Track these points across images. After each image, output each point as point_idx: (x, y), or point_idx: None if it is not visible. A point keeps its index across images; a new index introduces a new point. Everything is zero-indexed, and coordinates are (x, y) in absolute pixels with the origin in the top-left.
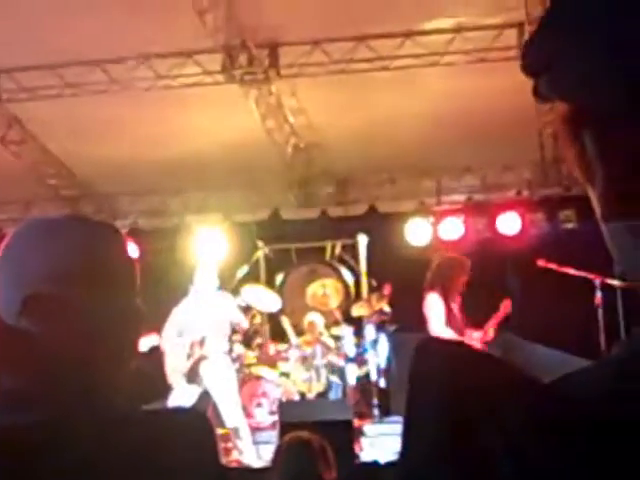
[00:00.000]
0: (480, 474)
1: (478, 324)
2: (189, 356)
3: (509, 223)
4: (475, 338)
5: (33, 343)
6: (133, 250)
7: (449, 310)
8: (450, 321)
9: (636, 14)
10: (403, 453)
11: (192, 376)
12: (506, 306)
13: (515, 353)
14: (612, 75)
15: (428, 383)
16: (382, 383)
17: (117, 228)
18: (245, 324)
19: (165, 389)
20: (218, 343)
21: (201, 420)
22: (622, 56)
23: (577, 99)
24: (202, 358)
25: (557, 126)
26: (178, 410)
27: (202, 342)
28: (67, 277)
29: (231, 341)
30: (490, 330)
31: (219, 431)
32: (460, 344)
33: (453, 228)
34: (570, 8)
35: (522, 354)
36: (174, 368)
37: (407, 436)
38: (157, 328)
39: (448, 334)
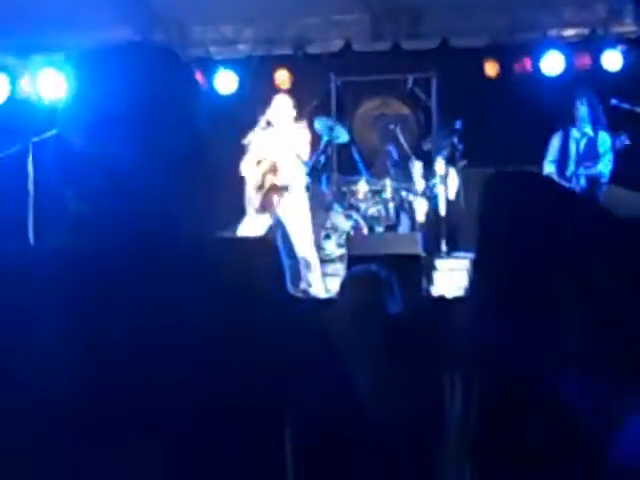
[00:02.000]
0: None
1: None
2: (261, 186)
3: (585, 61)
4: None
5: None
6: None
7: (563, 147)
8: (559, 159)
9: None
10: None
11: (265, 205)
12: None
13: None
14: None
15: (495, 211)
16: (451, 218)
17: (177, 54)
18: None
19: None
20: (292, 175)
21: (268, 250)
22: None
23: None
24: (275, 187)
25: None
26: (246, 239)
27: (274, 170)
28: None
29: (304, 174)
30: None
31: (288, 262)
32: (533, 176)
33: (526, 64)
34: None
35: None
36: (249, 197)
37: (477, 270)
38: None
39: (547, 170)
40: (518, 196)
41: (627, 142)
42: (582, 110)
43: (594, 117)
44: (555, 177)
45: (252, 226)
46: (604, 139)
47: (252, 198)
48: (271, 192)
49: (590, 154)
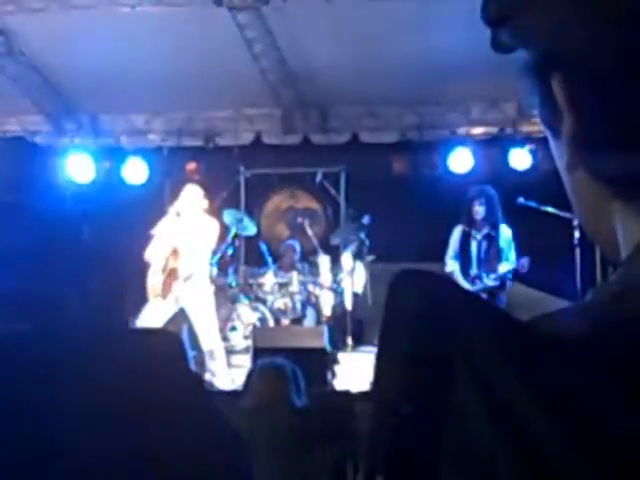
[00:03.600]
0: (447, 409)
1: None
2: (163, 271)
3: (489, 159)
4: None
5: None
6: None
7: (464, 245)
8: (461, 256)
9: None
10: (374, 387)
11: (165, 293)
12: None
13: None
14: (579, 18)
15: (401, 316)
16: (357, 312)
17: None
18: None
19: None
20: (197, 265)
21: (173, 341)
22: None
23: (546, 44)
24: (176, 274)
25: (522, 74)
26: (151, 330)
27: (177, 257)
28: None
29: (209, 264)
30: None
31: (192, 353)
32: (438, 277)
33: (434, 161)
34: None
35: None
36: (151, 283)
37: (378, 369)
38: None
39: (450, 267)
40: (418, 302)
41: (526, 267)
42: (481, 211)
43: (494, 218)
44: (458, 276)
45: (154, 314)
46: (506, 239)
47: (154, 285)
48: (172, 278)
49: (491, 255)
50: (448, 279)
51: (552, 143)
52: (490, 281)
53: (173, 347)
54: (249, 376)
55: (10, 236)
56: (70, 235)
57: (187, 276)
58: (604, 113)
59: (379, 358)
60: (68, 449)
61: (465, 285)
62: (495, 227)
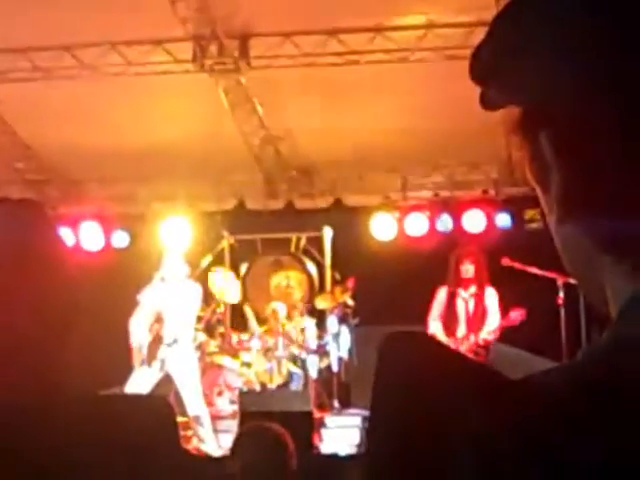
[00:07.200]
0: (445, 476)
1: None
2: (148, 338)
3: (474, 221)
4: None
5: None
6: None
7: (449, 305)
8: (444, 316)
9: (595, 13)
10: (368, 456)
11: (151, 358)
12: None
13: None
14: (568, 75)
15: (392, 382)
16: (343, 376)
17: (41, 206)
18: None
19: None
20: (182, 330)
21: (162, 405)
22: (580, 57)
23: (532, 100)
24: (161, 339)
25: (511, 131)
26: (140, 396)
27: (160, 320)
28: None
29: (194, 329)
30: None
31: (180, 419)
32: (426, 340)
33: (418, 224)
34: (519, 11)
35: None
36: (136, 350)
37: (372, 438)
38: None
39: (433, 328)
40: (408, 366)
41: (520, 318)
42: (470, 269)
43: (481, 276)
44: (441, 337)
45: (139, 382)
46: (491, 297)
47: (139, 352)
48: (157, 344)
49: (479, 314)
50: (435, 340)
51: (542, 198)
52: (478, 340)
53: (165, 410)
54: (236, 441)
55: None
56: None
57: (171, 341)
58: (592, 168)
59: (371, 425)
60: None
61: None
62: (482, 286)
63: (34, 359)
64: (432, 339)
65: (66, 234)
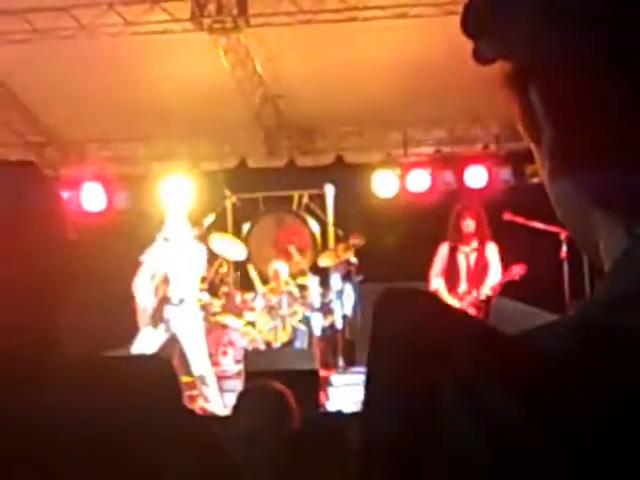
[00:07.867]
0: (437, 426)
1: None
2: (154, 299)
3: (476, 176)
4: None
5: None
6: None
7: (450, 260)
8: (446, 272)
9: None
10: (364, 410)
11: (157, 319)
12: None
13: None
14: (558, 28)
15: (388, 339)
16: (347, 333)
17: (37, 166)
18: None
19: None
20: (186, 290)
21: (162, 365)
22: (569, 10)
23: (521, 55)
24: (167, 300)
25: (502, 86)
26: (141, 357)
27: (166, 281)
28: None
29: (198, 289)
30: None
31: (185, 379)
32: (422, 295)
33: (420, 180)
34: None
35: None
36: (141, 310)
37: (368, 391)
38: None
39: (435, 284)
40: (403, 323)
41: (520, 273)
42: (470, 225)
43: (481, 231)
44: (443, 292)
45: (146, 342)
46: (492, 252)
47: (144, 313)
48: (163, 305)
49: (480, 269)
50: (432, 296)
51: (535, 154)
52: (479, 295)
53: (166, 371)
54: (239, 399)
55: None
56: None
57: (178, 302)
58: (581, 122)
59: (369, 380)
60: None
61: (451, 301)
62: (483, 241)
63: (29, 311)
64: (427, 295)
65: (68, 196)
